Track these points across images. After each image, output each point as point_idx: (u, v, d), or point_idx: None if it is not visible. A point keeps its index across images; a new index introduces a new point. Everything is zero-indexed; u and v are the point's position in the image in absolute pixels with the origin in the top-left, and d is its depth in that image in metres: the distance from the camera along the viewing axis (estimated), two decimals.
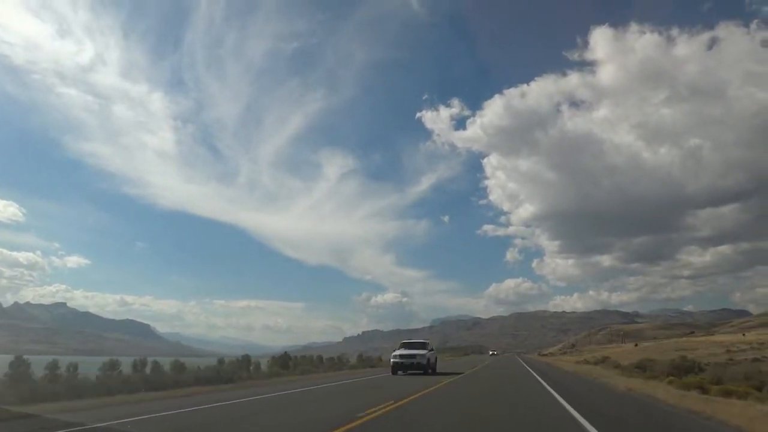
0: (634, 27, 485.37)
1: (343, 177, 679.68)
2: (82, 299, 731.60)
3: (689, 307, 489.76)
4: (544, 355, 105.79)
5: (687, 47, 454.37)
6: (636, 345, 66.29)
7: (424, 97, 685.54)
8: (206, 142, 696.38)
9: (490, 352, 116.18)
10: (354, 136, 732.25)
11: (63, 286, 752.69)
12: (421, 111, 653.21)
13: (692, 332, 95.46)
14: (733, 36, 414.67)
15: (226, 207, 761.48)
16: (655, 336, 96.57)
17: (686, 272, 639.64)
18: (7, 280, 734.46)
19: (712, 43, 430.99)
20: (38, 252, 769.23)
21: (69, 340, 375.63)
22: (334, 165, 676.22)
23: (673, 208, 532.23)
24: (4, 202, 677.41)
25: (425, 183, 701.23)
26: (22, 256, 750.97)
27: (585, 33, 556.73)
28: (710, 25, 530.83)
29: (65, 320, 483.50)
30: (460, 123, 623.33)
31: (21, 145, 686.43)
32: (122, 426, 8.40)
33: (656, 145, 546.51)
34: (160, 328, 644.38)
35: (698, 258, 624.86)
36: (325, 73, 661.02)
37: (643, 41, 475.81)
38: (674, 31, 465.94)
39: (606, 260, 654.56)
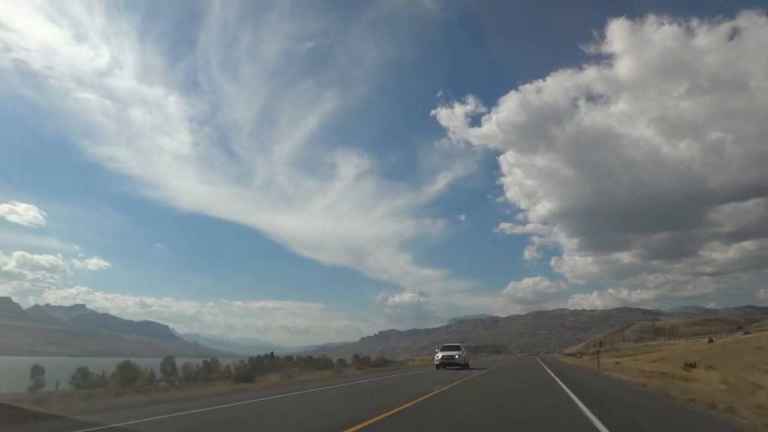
0: (651, 18, 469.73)
1: (359, 177, 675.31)
2: (102, 301, 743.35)
3: (711, 305, 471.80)
4: (569, 354, 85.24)
5: (707, 38, 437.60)
6: (711, 341, 54.89)
7: (438, 94, 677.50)
8: (222, 143, 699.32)
9: (438, 356, 36.62)
10: (369, 136, 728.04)
11: (84, 289, 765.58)
12: (435, 108, 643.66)
13: (740, 328, 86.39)
14: (755, 25, 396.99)
15: (243, 208, 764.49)
16: (695, 333, 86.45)
17: (708, 269, 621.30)
18: (30, 282, 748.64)
19: (734, 33, 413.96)
20: (59, 255, 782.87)
21: (86, 341, 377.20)
22: (350, 165, 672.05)
23: (694, 203, 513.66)
24: (25, 205, 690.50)
25: (441, 182, 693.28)
26: (43, 259, 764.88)
27: (601, 26, 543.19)
28: (731, 15, 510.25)
29: (84, 322, 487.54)
30: (475, 120, 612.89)
31: (41, 149, 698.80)
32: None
33: (676, 139, 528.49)
34: (179, 329, 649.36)
35: (721, 254, 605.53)
36: (338, 72, 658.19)
37: (661, 33, 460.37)
38: (694, 22, 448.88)
39: (626, 257, 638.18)
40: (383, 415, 9.67)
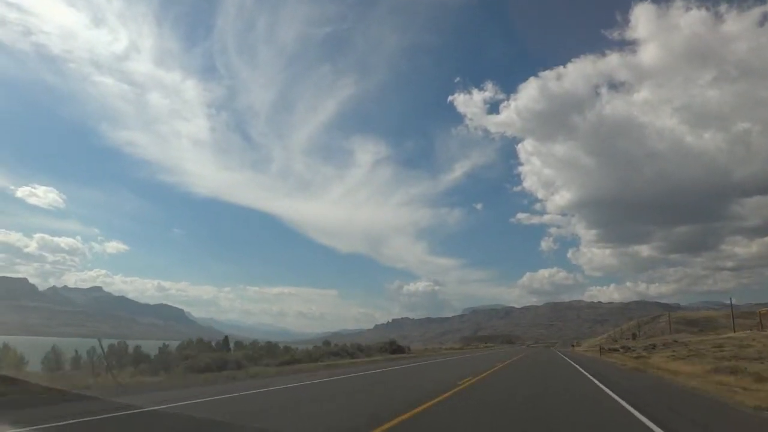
0: (678, 2, 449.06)
1: (376, 164, 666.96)
2: (121, 284, 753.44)
3: (732, 300, 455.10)
4: (611, 350, 58.71)
5: (736, 23, 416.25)
6: None
7: (456, 80, 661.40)
8: (240, 129, 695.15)
9: None
10: (386, 122, 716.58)
11: (103, 272, 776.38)
12: (453, 94, 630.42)
13: None
14: None
15: (260, 194, 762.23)
16: (751, 327, 75.32)
17: (730, 264, 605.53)
18: (51, 265, 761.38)
19: (764, 19, 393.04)
20: (78, 237, 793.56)
21: (101, 323, 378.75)
22: (367, 152, 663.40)
23: (718, 196, 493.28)
24: (45, 188, 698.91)
25: (458, 170, 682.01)
26: (63, 242, 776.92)
27: (625, 10, 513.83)
28: None
29: (100, 304, 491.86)
30: (493, 107, 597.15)
31: (60, 133, 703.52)
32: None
33: (701, 129, 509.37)
34: (196, 313, 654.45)
35: (743, 249, 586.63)
36: (356, 58, 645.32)
37: (688, 18, 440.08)
38: (722, 7, 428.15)
39: (645, 250, 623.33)
40: None
